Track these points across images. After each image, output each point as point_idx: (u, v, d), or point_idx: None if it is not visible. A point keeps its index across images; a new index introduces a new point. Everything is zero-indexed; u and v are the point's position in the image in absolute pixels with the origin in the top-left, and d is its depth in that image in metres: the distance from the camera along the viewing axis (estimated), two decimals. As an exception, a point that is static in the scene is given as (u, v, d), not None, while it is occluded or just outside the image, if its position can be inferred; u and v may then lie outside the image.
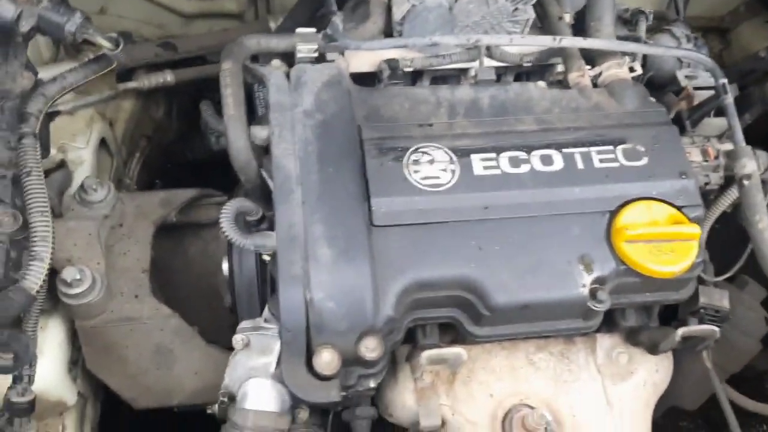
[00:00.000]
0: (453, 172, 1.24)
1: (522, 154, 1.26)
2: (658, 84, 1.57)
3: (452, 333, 1.31)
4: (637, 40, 1.49)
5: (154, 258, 1.49)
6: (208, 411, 1.56)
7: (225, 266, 1.50)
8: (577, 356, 1.38)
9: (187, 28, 2.09)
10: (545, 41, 1.37)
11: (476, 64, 1.45)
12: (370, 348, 1.12)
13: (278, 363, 1.22)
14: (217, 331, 1.55)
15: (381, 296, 1.14)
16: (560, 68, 1.50)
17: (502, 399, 1.33)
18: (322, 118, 1.25)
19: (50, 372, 1.36)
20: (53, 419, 1.45)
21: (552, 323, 1.25)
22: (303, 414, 1.26)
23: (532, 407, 1.34)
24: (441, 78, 1.49)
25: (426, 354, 1.16)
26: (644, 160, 1.27)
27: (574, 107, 1.35)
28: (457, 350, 1.17)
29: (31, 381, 1.19)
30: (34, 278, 1.02)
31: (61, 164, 1.60)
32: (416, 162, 1.24)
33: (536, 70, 1.50)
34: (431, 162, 1.24)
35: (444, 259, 1.18)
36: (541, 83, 1.41)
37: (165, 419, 1.68)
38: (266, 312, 1.31)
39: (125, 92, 1.87)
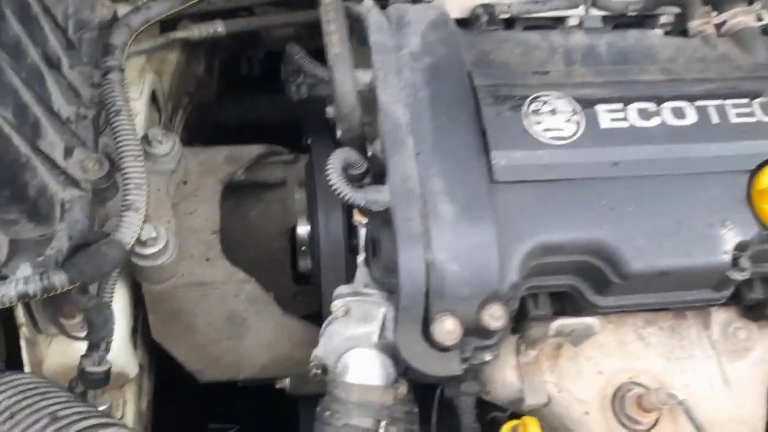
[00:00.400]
0: (578, 123, 1.11)
1: (651, 106, 1.14)
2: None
3: (561, 303, 1.20)
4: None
5: (229, 220, 1.36)
6: (278, 386, 1.45)
7: (302, 229, 1.37)
8: (688, 331, 1.27)
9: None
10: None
11: (578, 11, 1.33)
12: (495, 316, 1.00)
13: (381, 332, 1.10)
14: (278, 300, 1.43)
15: (506, 260, 1.02)
16: (664, 19, 1.38)
17: (612, 376, 1.23)
18: (431, 62, 1.12)
19: (114, 343, 1.24)
20: (114, 392, 1.32)
21: (682, 293, 1.13)
22: (402, 388, 1.14)
23: (641, 385, 1.24)
24: (534, 28, 1.37)
25: (555, 325, 1.04)
26: (785, 116, 1.15)
27: (701, 57, 1.22)
28: (588, 321, 1.05)
29: (107, 348, 1.06)
30: (129, 230, 0.89)
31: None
32: (536, 112, 1.11)
33: (639, 21, 1.38)
34: (553, 112, 1.11)
35: (573, 221, 1.05)
36: (658, 31, 1.28)
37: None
38: (362, 276, 1.19)
39: (172, 43, 1.72)
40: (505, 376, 1.21)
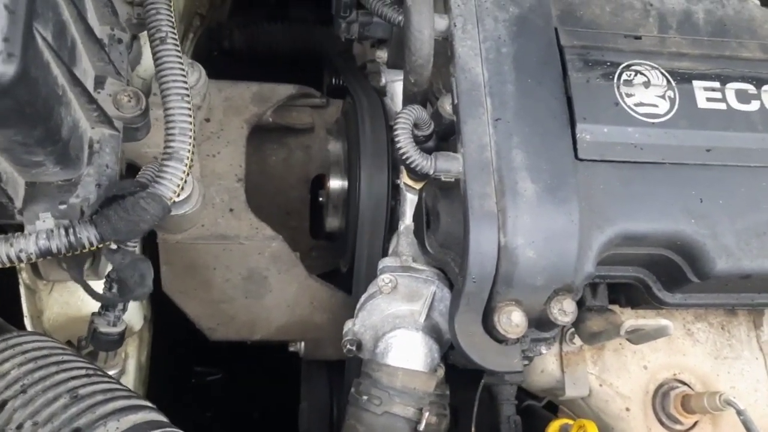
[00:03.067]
0: (672, 100, 0.99)
1: (751, 88, 1.02)
2: None
3: (617, 293, 1.10)
4: None
5: (253, 167, 1.23)
6: (291, 349, 1.35)
7: (336, 183, 1.24)
8: (738, 330, 1.20)
9: None
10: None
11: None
12: (566, 311, 0.90)
13: (428, 312, 0.99)
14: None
15: (585, 249, 0.91)
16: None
17: (656, 371, 1.16)
18: (517, 13, 0.98)
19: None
20: (116, 346, 1.20)
21: (755, 296, 1.05)
22: (440, 372, 1.04)
23: (685, 383, 1.17)
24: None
25: (628, 324, 0.94)
26: None
27: (804, 35, 1.10)
28: (664, 324, 0.95)
29: (125, 309, 0.94)
30: (172, 183, 0.76)
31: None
32: (628, 83, 0.99)
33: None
34: (646, 85, 0.99)
35: (659, 210, 0.94)
36: (756, 0, 1.15)
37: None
38: (406, 246, 1.07)
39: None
40: (546, 364, 1.14)
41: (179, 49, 0.79)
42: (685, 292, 1.02)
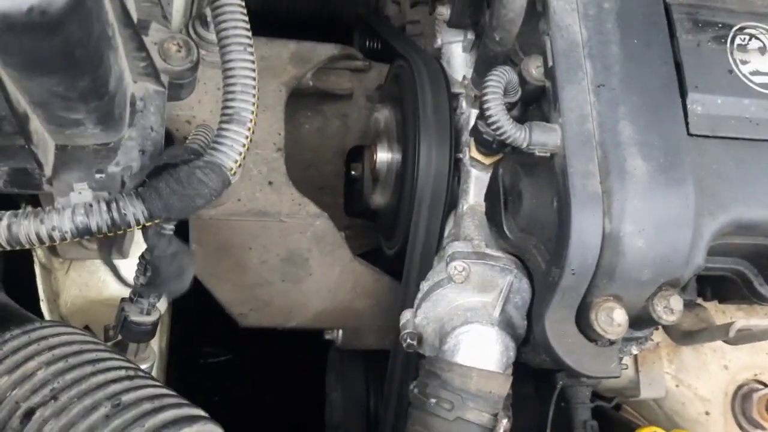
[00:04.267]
0: (790, 69, 0.86)
1: None
2: None
3: (703, 286, 0.99)
4: None
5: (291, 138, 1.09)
6: (327, 337, 1.23)
7: (385, 155, 1.11)
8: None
9: None
10: None
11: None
12: (673, 309, 0.78)
13: (503, 306, 0.87)
14: None
15: (697, 238, 0.79)
16: None
17: (737, 372, 1.06)
18: (621, -37, 0.84)
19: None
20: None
21: None
22: (509, 371, 0.93)
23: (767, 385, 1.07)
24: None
25: (739, 325, 0.83)
26: None
27: None
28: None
29: (161, 296, 0.81)
30: (233, 151, 0.62)
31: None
32: (743, 48, 0.86)
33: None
34: (762, 51, 0.86)
35: (779, 194, 0.82)
36: None
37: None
38: (472, 230, 0.94)
39: None
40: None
41: (241, -10, 0.65)
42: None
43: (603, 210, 0.75)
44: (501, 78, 0.79)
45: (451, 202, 1.03)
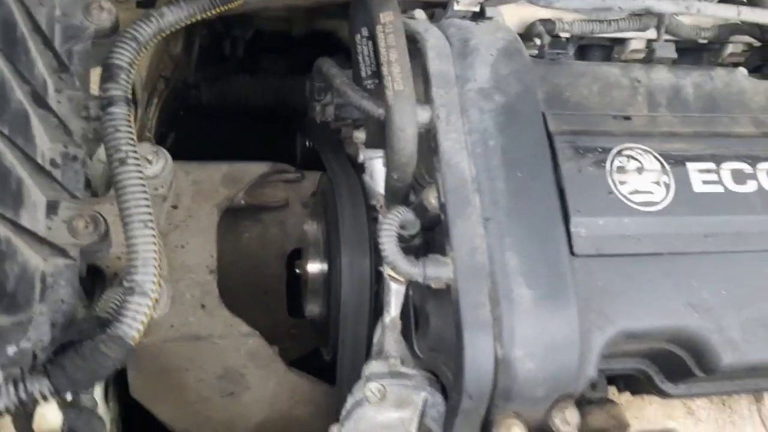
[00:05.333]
0: (667, 186, 0.94)
1: (746, 167, 0.98)
2: None
3: (616, 382, 1.05)
4: None
5: (226, 255, 1.15)
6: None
7: (315, 267, 1.17)
8: (739, 405, 1.15)
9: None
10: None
11: (647, 34, 1.15)
12: (569, 422, 0.84)
13: (420, 420, 0.92)
14: (271, 335, 1.23)
15: (586, 353, 0.85)
16: (732, 48, 1.23)
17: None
18: (504, 101, 0.92)
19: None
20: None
21: (759, 381, 1.00)
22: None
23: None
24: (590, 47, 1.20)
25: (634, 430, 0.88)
26: None
27: (794, 108, 1.07)
28: (669, 429, 0.90)
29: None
30: (135, 321, 0.68)
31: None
32: (621, 170, 0.94)
33: (709, 48, 1.23)
34: (640, 170, 0.94)
35: (660, 305, 0.89)
36: (742, 70, 1.12)
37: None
38: (392, 344, 1.00)
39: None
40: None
41: (140, 168, 0.72)
42: (689, 383, 0.96)
43: (494, 336, 0.81)
44: (395, 219, 0.86)
45: (378, 309, 1.09)
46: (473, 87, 0.92)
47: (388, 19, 0.87)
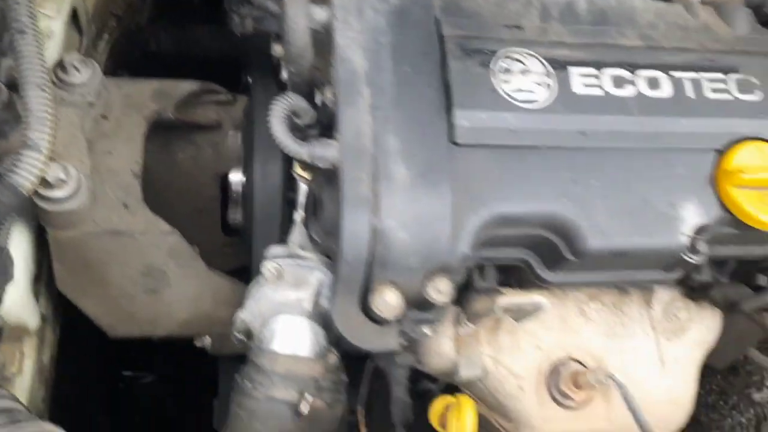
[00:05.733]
0: (548, 86, 1.02)
1: (626, 74, 1.05)
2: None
3: (506, 275, 1.13)
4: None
5: (154, 163, 1.22)
6: (197, 344, 1.34)
7: (235, 177, 1.24)
8: (630, 308, 1.23)
9: None
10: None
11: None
12: (441, 290, 0.92)
13: (315, 299, 1.00)
14: (205, 252, 1.30)
15: (459, 230, 0.93)
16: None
17: (550, 351, 1.18)
18: (398, 3, 1.00)
19: (12, 291, 1.09)
20: (9, 345, 1.18)
21: (633, 273, 1.08)
22: (332, 358, 1.05)
23: (578, 361, 1.20)
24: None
25: (503, 302, 0.97)
26: (758, 95, 1.09)
27: (681, 25, 1.14)
28: (537, 300, 0.98)
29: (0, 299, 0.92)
30: (28, 173, 0.75)
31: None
32: (507, 70, 1.01)
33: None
34: (524, 72, 1.02)
35: (534, 192, 0.97)
36: (642, -9, 1.19)
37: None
38: (299, 236, 1.08)
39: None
40: (442, 346, 1.13)
41: (39, 39, 0.79)
42: (566, 271, 1.04)
43: (371, 210, 0.89)
44: (284, 103, 0.93)
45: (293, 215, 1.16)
46: (369, -11, 0.99)
47: None
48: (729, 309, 1.18)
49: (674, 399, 1.21)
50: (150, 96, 1.29)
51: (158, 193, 1.34)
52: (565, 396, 1.15)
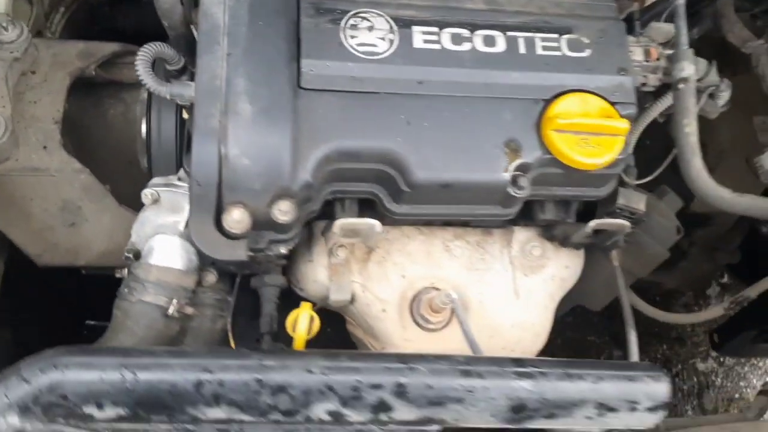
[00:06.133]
0: (391, 41, 1.18)
1: (465, 32, 1.21)
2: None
3: (371, 211, 1.29)
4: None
5: (71, 116, 1.40)
6: (117, 275, 1.52)
7: (143, 127, 1.42)
8: (492, 247, 1.38)
9: None
10: None
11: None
12: (283, 210, 1.09)
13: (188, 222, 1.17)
14: (136, 198, 1.48)
15: (301, 160, 1.09)
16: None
17: (414, 281, 1.34)
18: (259, -31, 1.16)
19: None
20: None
21: (471, 207, 1.24)
22: (210, 277, 1.23)
23: (440, 290, 1.35)
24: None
25: (339, 222, 1.14)
26: (587, 52, 1.24)
27: (526, -9, 1.30)
28: (370, 221, 1.15)
29: None
30: None
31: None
32: (354, 27, 1.17)
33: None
34: (370, 29, 1.18)
35: (370, 130, 1.13)
36: (493, -38, 1.34)
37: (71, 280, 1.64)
38: (181, 171, 1.25)
39: None
40: (317, 273, 1.31)
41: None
42: (409, 203, 1.20)
43: (219, 139, 1.06)
44: (150, 49, 1.10)
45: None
46: (235, -44, 1.16)
47: None
48: (565, 243, 1.33)
49: (526, 326, 1.36)
50: (76, 55, 1.46)
51: (93, 145, 1.52)
52: (425, 320, 1.31)
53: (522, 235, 1.38)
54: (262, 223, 1.10)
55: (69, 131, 1.42)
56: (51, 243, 1.40)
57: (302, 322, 1.12)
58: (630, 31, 1.30)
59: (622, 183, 1.37)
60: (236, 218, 1.07)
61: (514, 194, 1.17)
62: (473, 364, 1.02)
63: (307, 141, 1.10)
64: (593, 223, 1.23)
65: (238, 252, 1.08)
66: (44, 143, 1.36)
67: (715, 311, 1.87)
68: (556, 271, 1.40)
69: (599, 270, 1.52)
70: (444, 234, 1.37)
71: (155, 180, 1.20)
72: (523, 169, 1.17)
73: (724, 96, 1.35)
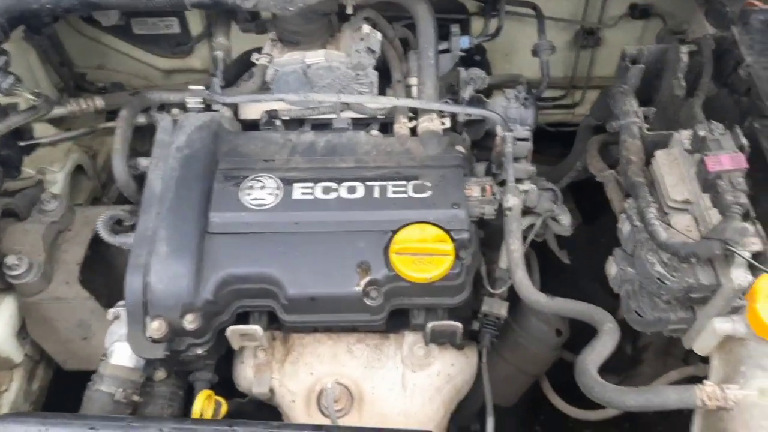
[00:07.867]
0: (277, 195, 1.63)
1: (333, 185, 1.64)
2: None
3: (277, 321, 1.68)
4: (456, 101, 1.84)
5: (98, 257, 1.94)
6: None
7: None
8: (388, 349, 1.72)
9: (167, 80, 2.59)
10: (366, 100, 1.78)
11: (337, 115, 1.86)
12: (189, 320, 1.52)
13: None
14: None
15: (202, 283, 1.53)
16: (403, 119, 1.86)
17: (320, 377, 1.69)
18: (188, 153, 1.68)
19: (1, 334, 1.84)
20: (3, 373, 1.91)
21: (344, 315, 1.59)
22: (159, 374, 1.66)
23: (342, 385, 1.69)
24: (318, 125, 1.90)
25: (230, 329, 1.55)
26: (428, 193, 1.61)
27: (389, 150, 1.71)
28: (254, 327, 1.54)
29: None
30: None
31: (38, 183, 2.12)
32: (251, 187, 1.64)
33: (388, 121, 1.89)
34: (262, 188, 1.64)
35: (254, 260, 1.56)
36: (375, 131, 1.78)
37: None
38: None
39: (106, 129, 2.38)
40: (246, 372, 1.71)
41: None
42: (294, 314, 1.58)
43: (144, 272, 1.53)
44: (108, 214, 1.62)
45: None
46: (174, 146, 1.69)
47: (122, 113, 1.70)
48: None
49: (410, 413, 1.66)
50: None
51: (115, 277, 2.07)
52: (326, 407, 1.65)
53: (411, 338, 1.71)
54: (179, 331, 1.54)
55: (98, 268, 1.97)
56: (72, 352, 1.91)
57: (198, 403, 1.51)
58: (472, 172, 1.67)
59: (490, 294, 1.68)
60: (155, 327, 1.51)
61: (368, 303, 1.53)
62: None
63: (208, 270, 1.54)
64: (431, 325, 1.55)
65: (157, 352, 1.52)
66: (67, 279, 1.90)
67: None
68: (442, 368, 1.70)
69: (496, 370, 1.80)
70: (349, 338, 1.73)
71: (119, 303, 1.68)
72: (373, 283, 1.53)
73: (564, 219, 1.65)
